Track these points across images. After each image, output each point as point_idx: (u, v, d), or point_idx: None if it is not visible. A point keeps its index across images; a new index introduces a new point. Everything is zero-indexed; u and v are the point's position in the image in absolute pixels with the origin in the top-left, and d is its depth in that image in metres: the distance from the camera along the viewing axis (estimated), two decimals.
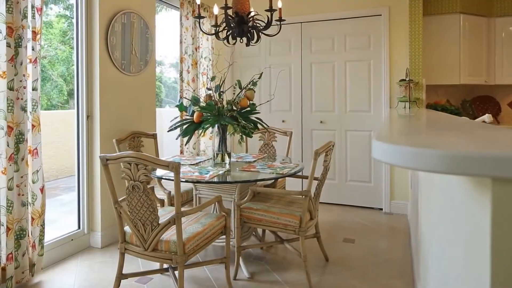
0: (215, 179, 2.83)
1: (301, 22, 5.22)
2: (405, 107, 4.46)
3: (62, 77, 13.53)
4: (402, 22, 4.64)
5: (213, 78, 3.47)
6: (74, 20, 3.60)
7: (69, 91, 13.90)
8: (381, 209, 4.85)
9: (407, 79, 4.39)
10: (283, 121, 5.37)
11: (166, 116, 7.26)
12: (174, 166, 2.17)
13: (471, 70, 4.88)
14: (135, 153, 2.22)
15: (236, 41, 3.35)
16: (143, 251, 2.41)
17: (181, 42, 4.90)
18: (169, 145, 6.76)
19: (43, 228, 3.02)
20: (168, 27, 9.45)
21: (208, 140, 5.34)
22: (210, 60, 5.35)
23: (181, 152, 4.92)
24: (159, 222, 2.34)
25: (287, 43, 5.34)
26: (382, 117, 4.80)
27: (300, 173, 3.49)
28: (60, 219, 4.78)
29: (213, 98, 3.40)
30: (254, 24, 3.22)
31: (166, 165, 2.17)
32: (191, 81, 4.99)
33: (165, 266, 3.00)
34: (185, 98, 4.29)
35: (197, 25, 5.14)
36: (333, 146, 3.07)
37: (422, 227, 2.39)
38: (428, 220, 1.89)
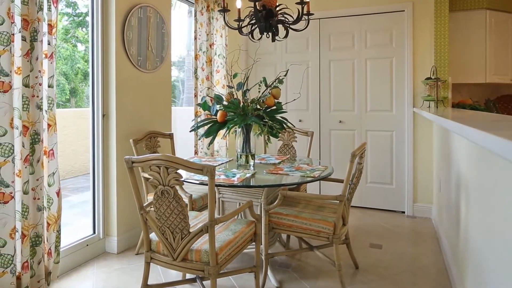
0: (239, 183, 2.64)
1: (319, 18, 5.03)
2: (429, 107, 4.28)
3: (64, 75, 13.37)
4: (426, 18, 4.46)
5: (235, 75, 3.29)
6: (89, 14, 3.41)
7: (71, 89, 13.73)
8: (403, 212, 4.67)
9: (433, 77, 4.21)
10: (300, 121, 5.19)
11: (175, 115, 7.07)
12: (209, 170, 1.99)
13: (497, 69, 4.70)
14: (164, 156, 2.04)
15: (261, 37, 3.17)
16: (172, 261, 2.23)
17: (195, 38, 4.72)
18: (179, 146, 6.57)
19: (59, 233, 2.84)
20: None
21: (221, 140, 5.15)
22: (224, 57, 5.16)
23: (195, 153, 4.75)
24: (190, 230, 2.17)
25: (304, 40, 5.16)
26: (405, 117, 4.62)
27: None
28: (72, 222, 4.60)
29: (235, 96, 3.23)
30: (282, 18, 3.04)
31: (200, 169, 1.99)
32: (205, 79, 4.81)
33: (188, 276, 2.82)
34: (209, 96, 4.10)
35: (214, 20, 4.97)
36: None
37: (472, 235, 2.21)
38: (494, 230, 1.71)
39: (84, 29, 12.37)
